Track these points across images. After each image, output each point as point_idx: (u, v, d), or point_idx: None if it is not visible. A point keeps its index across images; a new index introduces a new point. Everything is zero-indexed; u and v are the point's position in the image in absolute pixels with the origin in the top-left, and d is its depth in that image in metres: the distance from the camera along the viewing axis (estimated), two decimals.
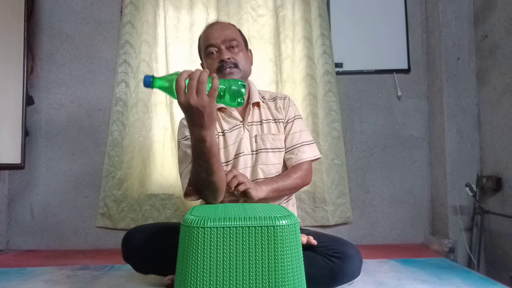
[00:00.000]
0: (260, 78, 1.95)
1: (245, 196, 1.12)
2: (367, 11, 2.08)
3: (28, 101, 1.95)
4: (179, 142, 1.22)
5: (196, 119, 0.89)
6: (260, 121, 1.27)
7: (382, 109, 2.06)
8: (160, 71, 2.03)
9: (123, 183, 1.94)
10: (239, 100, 0.90)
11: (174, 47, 1.99)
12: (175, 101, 1.98)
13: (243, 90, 0.90)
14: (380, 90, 2.07)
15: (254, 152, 1.24)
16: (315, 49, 2.00)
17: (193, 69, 0.88)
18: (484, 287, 1.23)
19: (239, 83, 0.91)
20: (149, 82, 0.87)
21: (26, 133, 1.91)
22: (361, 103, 2.07)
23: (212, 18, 2.00)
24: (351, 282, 1.12)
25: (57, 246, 1.96)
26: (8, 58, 1.78)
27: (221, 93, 0.89)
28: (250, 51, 1.34)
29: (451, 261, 1.63)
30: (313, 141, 1.31)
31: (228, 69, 1.18)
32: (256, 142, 1.24)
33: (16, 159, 1.83)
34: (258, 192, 1.12)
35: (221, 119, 1.26)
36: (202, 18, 2.01)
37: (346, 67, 2.06)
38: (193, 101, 0.85)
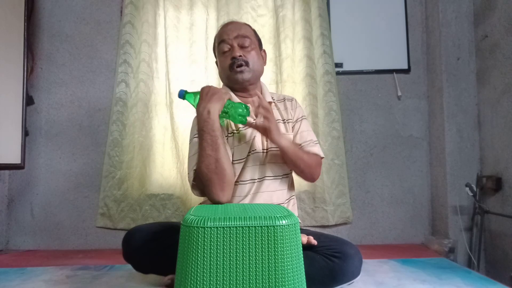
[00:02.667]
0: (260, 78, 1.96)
1: (265, 133, 1.14)
2: (367, 11, 2.08)
3: (28, 101, 1.95)
4: (191, 139, 1.22)
5: (209, 95, 1.09)
6: None
7: (382, 109, 2.06)
8: (160, 71, 2.03)
9: (123, 183, 1.94)
10: (241, 119, 1.11)
11: (174, 47, 1.99)
12: (175, 102, 2.00)
13: (246, 112, 1.11)
14: (380, 90, 2.07)
15: (265, 151, 1.24)
16: (315, 49, 2.00)
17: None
18: (484, 287, 1.23)
19: (244, 106, 1.11)
20: (182, 94, 1.13)
21: (26, 133, 1.91)
22: (361, 103, 2.07)
23: (212, 18, 2.01)
24: (351, 282, 1.12)
25: (57, 246, 1.96)
26: (8, 58, 1.78)
27: (226, 111, 1.11)
28: (264, 51, 1.35)
29: (451, 261, 1.63)
30: (318, 142, 1.34)
31: (239, 67, 1.20)
32: (267, 140, 1.24)
33: (16, 159, 1.82)
34: (280, 136, 1.15)
35: None
36: (202, 18, 2.01)
37: (346, 67, 2.06)
38: (212, 86, 1.12)
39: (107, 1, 2.09)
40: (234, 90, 1.28)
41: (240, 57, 1.21)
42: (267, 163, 1.23)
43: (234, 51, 1.21)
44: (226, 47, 1.24)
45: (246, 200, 1.20)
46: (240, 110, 1.10)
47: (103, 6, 2.08)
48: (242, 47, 1.23)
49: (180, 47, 2.00)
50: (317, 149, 1.28)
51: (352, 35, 2.08)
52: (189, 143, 1.23)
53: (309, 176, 1.27)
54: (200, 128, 1.08)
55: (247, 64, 1.21)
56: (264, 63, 1.34)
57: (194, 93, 1.13)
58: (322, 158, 1.31)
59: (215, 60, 1.34)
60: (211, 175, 1.06)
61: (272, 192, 1.22)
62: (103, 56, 2.06)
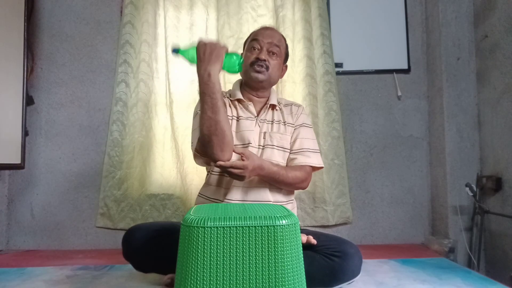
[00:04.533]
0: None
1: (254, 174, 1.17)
2: (367, 11, 2.08)
3: (28, 101, 1.95)
4: (195, 115, 1.27)
5: (207, 55, 1.10)
6: (272, 121, 1.32)
7: (382, 109, 2.06)
8: (160, 71, 2.03)
9: (123, 183, 1.94)
10: (236, 68, 1.17)
11: None
12: (175, 102, 1.99)
13: (238, 61, 1.16)
14: (380, 90, 2.07)
15: (261, 147, 1.27)
16: (315, 49, 2.00)
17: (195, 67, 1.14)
18: (484, 287, 1.23)
19: (239, 58, 1.17)
20: (176, 51, 1.16)
21: (26, 133, 1.91)
22: (361, 103, 2.07)
23: (212, 18, 2.01)
24: (351, 281, 1.12)
25: (57, 246, 1.96)
26: (8, 58, 1.78)
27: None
28: (286, 66, 1.43)
29: (451, 261, 1.63)
30: (318, 151, 1.34)
31: (258, 67, 1.27)
32: (264, 138, 1.28)
33: (16, 159, 1.82)
34: (262, 170, 1.16)
35: (238, 108, 1.31)
36: (202, 18, 2.01)
37: (346, 67, 2.06)
38: (209, 41, 1.12)
39: (107, 1, 2.09)
40: (246, 85, 1.33)
41: (264, 61, 1.27)
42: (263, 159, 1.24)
43: (262, 53, 1.28)
44: (256, 46, 1.30)
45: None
46: (234, 58, 1.15)
47: (103, 6, 2.08)
48: (270, 52, 1.29)
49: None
50: (312, 159, 1.28)
51: (352, 35, 2.08)
52: (193, 119, 1.28)
53: (295, 189, 1.32)
54: (201, 91, 1.12)
55: (267, 68, 1.28)
56: (281, 76, 1.41)
57: (189, 49, 1.16)
58: (319, 168, 1.32)
59: (241, 52, 1.40)
60: (211, 136, 1.10)
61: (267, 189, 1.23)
62: (103, 56, 2.06)
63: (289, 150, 1.30)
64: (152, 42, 2.02)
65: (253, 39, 1.32)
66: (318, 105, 1.97)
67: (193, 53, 1.13)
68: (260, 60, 1.27)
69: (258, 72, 1.27)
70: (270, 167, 1.18)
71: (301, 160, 1.27)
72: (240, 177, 1.12)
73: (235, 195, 1.20)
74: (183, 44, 1.22)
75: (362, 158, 2.05)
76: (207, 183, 1.30)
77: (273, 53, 1.29)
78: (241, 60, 1.18)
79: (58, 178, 2.00)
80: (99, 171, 1.98)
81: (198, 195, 1.31)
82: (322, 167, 1.33)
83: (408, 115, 2.06)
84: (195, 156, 1.23)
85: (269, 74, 1.28)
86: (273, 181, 1.21)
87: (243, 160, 1.12)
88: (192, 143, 1.24)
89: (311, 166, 1.29)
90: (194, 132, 1.23)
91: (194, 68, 1.84)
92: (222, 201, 1.20)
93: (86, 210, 1.99)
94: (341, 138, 1.98)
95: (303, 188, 1.31)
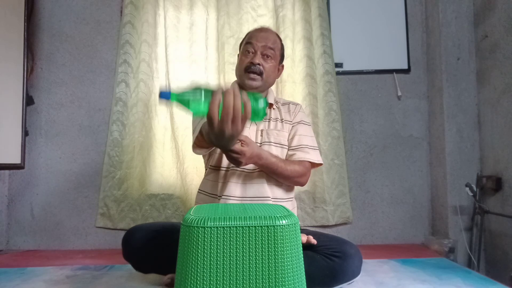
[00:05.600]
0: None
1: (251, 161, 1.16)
2: (367, 11, 2.08)
3: (28, 101, 1.95)
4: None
5: (224, 143, 0.86)
6: (269, 119, 1.33)
7: (382, 109, 2.06)
8: (160, 71, 2.03)
9: (123, 183, 1.94)
10: (263, 115, 0.84)
11: (174, 47, 1.99)
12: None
13: (264, 105, 0.83)
14: (380, 90, 2.07)
15: (258, 144, 1.27)
16: (315, 49, 2.00)
17: (218, 88, 0.79)
18: (484, 287, 1.23)
19: (262, 100, 0.83)
20: (168, 96, 0.78)
21: (26, 133, 1.91)
22: (361, 103, 2.07)
23: (212, 18, 2.01)
24: (351, 281, 1.12)
25: (57, 246, 1.96)
26: (8, 58, 1.78)
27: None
28: (283, 66, 1.40)
29: (451, 261, 1.63)
30: (317, 148, 1.34)
31: (252, 74, 1.27)
32: (261, 135, 1.29)
33: (16, 159, 1.82)
34: (261, 159, 1.15)
35: None
36: (202, 18, 2.01)
37: (346, 67, 2.06)
38: (228, 130, 0.79)
39: (107, 1, 2.08)
40: (242, 88, 1.32)
41: (258, 65, 1.27)
42: None
43: (255, 57, 1.27)
44: (250, 49, 1.30)
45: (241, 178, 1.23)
46: (259, 106, 0.82)
47: (103, 6, 2.08)
48: (264, 56, 1.29)
49: (180, 47, 2.00)
50: (309, 156, 1.28)
51: (352, 35, 2.08)
52: (192, 120, 1.26)
53: (293, 184, 1.31)
54: (212, 143, 0.96)
55: (261, 74, 1.27)
56: (278, 76, 1.40)
57: (189, 95, 0.79)
58: (319, 164, 1.32)
59: (238, 53, 1.39)
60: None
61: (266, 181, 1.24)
62: (103, 56, 2.06)
63: (287, 147, 1.30)
64: (152, 42, 2.02)
65: (247, 42, 1.31)
66: (318, 105, 1.97)
67: (201, 106, 0.79)
68: (254, 65, 1.26)
69: (252, 79, 1.27)
70: (268, 157, 1.18)
71: (300, 155, 1.27)
72: (237, 162, 1.11)
73: (234, 191, 1.21)
74: (174, 86, 0.96)
75: (362, 158, 2.05)
76: (205, 178, 1.31)
77: (268, 56, 1.29)
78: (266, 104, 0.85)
79: (58, 178, 2.00)
80: (99, 171, 1.98)
81: (198, 191, 1.33)
82: (321, 164, 1.33)
83: (408, 115, 2.06)
84: (194, 147, 1.17)
85: (264, 79, 1.28)
86: (271, 172, 1.21)
87: (242, 146, 1.11)
88: (193, 131, 1.19)
89: (310, 162, 1.29)
90: (194, 133, 1.22)
91: (194, 68, 1.81)
92: (221, 196, 1.21)
93: (86, 210, 1.98)
94: (341, 138, 1.98)
95: (302, 184, 1.31)
